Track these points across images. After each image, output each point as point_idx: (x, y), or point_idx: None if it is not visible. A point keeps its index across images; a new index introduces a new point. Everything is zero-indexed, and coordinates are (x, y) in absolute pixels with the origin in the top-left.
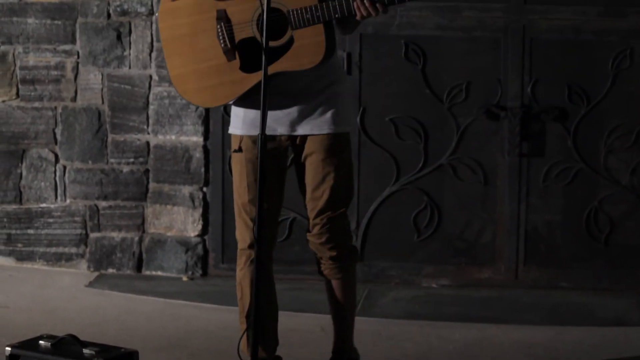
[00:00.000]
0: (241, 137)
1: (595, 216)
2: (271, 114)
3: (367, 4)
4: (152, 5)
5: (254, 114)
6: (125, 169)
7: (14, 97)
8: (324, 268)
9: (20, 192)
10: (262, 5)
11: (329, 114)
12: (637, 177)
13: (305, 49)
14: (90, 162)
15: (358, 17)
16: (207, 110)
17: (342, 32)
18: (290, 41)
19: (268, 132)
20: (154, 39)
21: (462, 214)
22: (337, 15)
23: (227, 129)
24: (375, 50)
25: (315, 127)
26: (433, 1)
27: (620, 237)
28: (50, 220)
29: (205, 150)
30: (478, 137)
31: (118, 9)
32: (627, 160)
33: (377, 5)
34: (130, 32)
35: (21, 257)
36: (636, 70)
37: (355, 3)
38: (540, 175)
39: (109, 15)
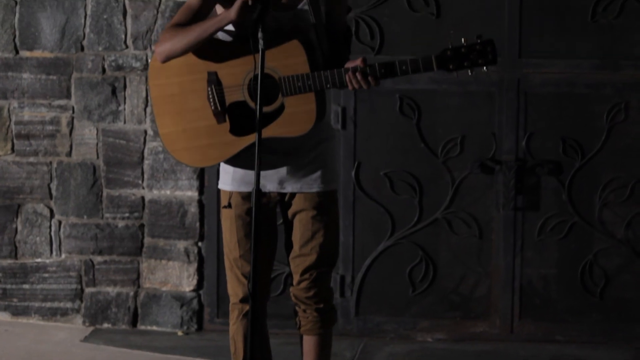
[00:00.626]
0: (230, 193)
1: (590, 270)
2: (261, 171)
3: (359, 78)
4: (146, 60)
5: (243, 171)
6: (121, 223)
7: (9, 152)
8: (305, 322)
9: (16, 247)
10: (254, 71)
11: (318, 172)
12: (632, 230)
13: (296, 117)
14: (85, 217)
15: (350, 89)
16: None
17: (339, 88)
18: (282, 107)
19: None
20: (149, 93)
21: (457, 268)
22: (328, 86)
23: None
24: (370, 105)
25: (305, 185)
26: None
27: (615, 291)
28: (46, 275)
29: (200, 204)
30: (473, 191)
31: (113, 64)
32: (622, 214)
33: (369, 78)
34: (125, 87)
35: (16, 312)
36: (631, 124)
37: (347, 76)
38: (535, 228)
39: (104, 70)
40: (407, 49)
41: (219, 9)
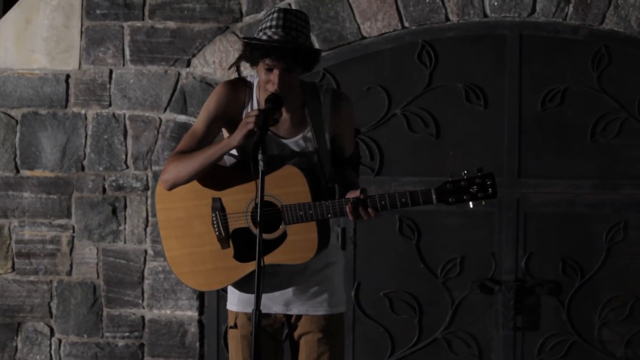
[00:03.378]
0: (237, 314)
1: None
2: (266, 294)
3: (360, 211)
4: (147, 180)
5: (250, 293)
6: (121, 343)
7: (9, 271)
8: None
9: None
10: (256, 200)
11: (325, 295)
12: (632, 349)
13: (297, 245)
14: (85, 335)
15: (351, 219)
16: None
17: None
18: (284, 235)
19: (263, 310)
20: (149, 214)
21: None
22: (329, 215)
23: (222, 304)
24: (369, 225)
25: (311, 307)
26: (425, 176)
27: None
28: None
29: (200, 324)
30: (472, 311)
31: (113, 184)
32: (622, 333)
33: (369, 210)
34: (125, 206)
35: None
36: (630, 243)
37: (347, 207)
38: (534, 348)
39: (104, 190)
40: (407, 170)
41: (225, 132)
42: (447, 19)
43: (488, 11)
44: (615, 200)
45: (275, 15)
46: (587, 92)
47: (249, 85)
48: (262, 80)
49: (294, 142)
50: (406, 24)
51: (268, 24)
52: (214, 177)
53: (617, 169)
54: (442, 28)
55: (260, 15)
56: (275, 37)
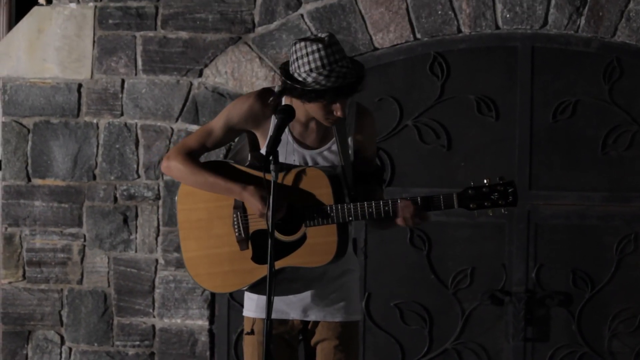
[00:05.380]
0: (254, 320)
1: None
2: (284, 299)
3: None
4: (158, 190)
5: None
6: (131, 351)
7: (20, 279)
8: None
9: None
10: (268, 200)
11: (342, 302)
12: None
13: (317, 248)
14: (96, 344)
15: (401, 223)
16: (212, 294)
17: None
18: (304, 237)
19: (280, 316)
20: (160, 223)
21: None
22: (350, 219)
23: (233, 313)
24: (380, 236)
25: (328, 314)
26: (437, 187)
27: None
28: None
29: (211, 334)
30: (483, 322)
31: (125, 193)
32: (632, 344)
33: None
34: (136, 216)
35: None
36: None
37: (401, 203)
38: (544, 359)
39: (115, 199)
40: (418, 181)
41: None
42: (459, 30)
43: (500, 23)
44: (626, 212)
45: (322, 53)
46: (599, 104)
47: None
48: (319, 116)
49: (319, 154)
50: (418, 36)
51: (318, 63)
52: (238, 177)
53: (628, 181)
54: (454, 40)
55: (288, 48)
56: (347, 80)
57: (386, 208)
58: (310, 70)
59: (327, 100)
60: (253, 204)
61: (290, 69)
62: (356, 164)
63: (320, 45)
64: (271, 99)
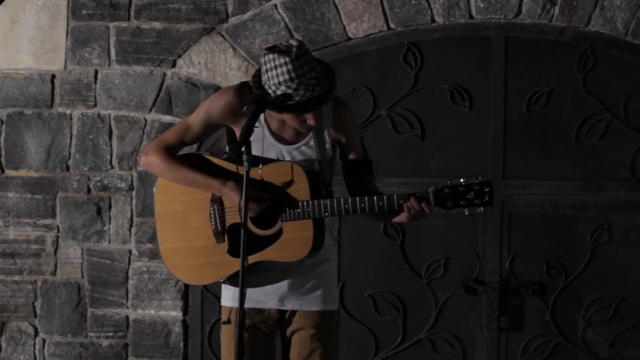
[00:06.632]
0: (230, 309)
1: None
2: (261, 288)
3: (424, 206)
4: (132, 181)
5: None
6: (105, 343)
7: None
8: None
9: None
10: (243, 191)
11: (319, 291)
12: (615, 350)
13: (292, 242)
14: (69, 335)
15: (406, 219)
16: (186, 285)
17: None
18: (280, 232)
19: (257, 305)
20: (134, 214)
21: None
22: (326, 214)
23: (207, 305)
24: (354, 226)
25: (305, 303)
26: (410, 177)
27: None
28: None
29: (185, 325)
30: (456, 312)
31: (98, 184)
32: (606, 334)
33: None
34: (110, 207)
35: None
36: (614, 245)
37: (411, 199)
38: (518, 349)
39: (89, 190)
40: (392, 171)
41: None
42: (433, 20)
43: (474, 13)
44: (600, 201)
45: (289, 67)
46: (573, 93)
47: None
48: (293, 124)
49: (296, 149)
50: (392, 25)
51: (286, 76)
52: (216, 171)
53: (602, 170)
54: (427, 29)
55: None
56: (315, 92)
57: (362, 205)
58: (279, 83)
59: (297, 112)
60: (233, 199)
61: (262, 79)
62: (342, 157)
63: (287, 59)
64: (245, 107)
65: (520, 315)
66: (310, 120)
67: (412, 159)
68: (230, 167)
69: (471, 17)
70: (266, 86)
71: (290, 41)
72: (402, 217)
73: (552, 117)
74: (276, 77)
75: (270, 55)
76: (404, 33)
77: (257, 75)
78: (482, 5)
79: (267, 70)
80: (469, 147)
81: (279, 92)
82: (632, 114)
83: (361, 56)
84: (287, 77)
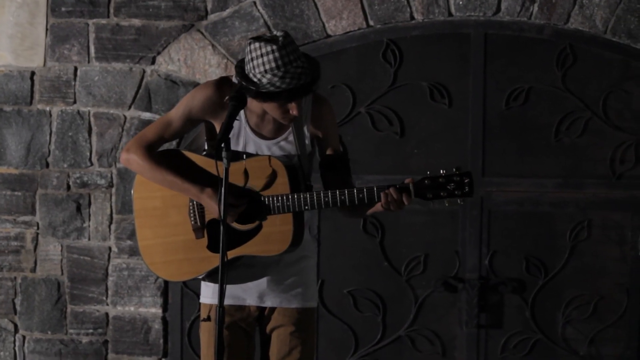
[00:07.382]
0: (210, 306)
1: None
2: (241, 285)
3: (404, 198)
4: (111, 177)
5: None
6: (85, 339)
7: None
8: None
9: None
10: (220, 185)
11: (299, 288)
12: (595, 347)
13: (272, 236)
14: (49, 332)
15: (381, 208)
16: (166, 282)
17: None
18: (259, 226)
19: (236, 302)
20: (114, 211)
21: None
22: (306, 208)
23: (187, 301)
24: (334, 223)
25: (285, 300)
26: (390, 174)
27: None
28: None
29: (164, 321)
30: (436, 309)
31: (78, 181)
32: (585, 331)
33: (404, 197)
34: (89, 203)
35: None
36: (594, 242)
37: (391, 190)
38: (498, 346)
39: (68, 187)
40: (371, 168)
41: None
42: (412, 17)
43: (453, 10)
44: (579, 199)
45: (277, 54)
46: (552, 91)
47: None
48: (275, 115)
49: (275, 144)
50: (371, 23)
51: (273, 64)
52: (194, 167)
53: (581, 168)
54: (407, 27)
55: (243, 44)
56: (302, 81)
57: (342, 197)
58: (265, 71)
59: (282, 101)
60: (211, 206)
61: (246, 68)
62: (320, 152)
63: (274, 47)
64: (227, 98)
65: (499, 313)
66: (293, 110)
67: (391, 156)
68: (210, 164)
69: (450, 14)
70: (251, 75)
71: (275, 32)
72: (377, 207)
73: (532, 115)
74: (262, 65)
75: (257, 44)
76: (383, 30)
77: (240, 64)
78: (461, 2)
79: (252, 59)
80: (449, 144)
81: (264, 81)
82: (611, 111)
83: (340, 53)
84: (273, 64)
